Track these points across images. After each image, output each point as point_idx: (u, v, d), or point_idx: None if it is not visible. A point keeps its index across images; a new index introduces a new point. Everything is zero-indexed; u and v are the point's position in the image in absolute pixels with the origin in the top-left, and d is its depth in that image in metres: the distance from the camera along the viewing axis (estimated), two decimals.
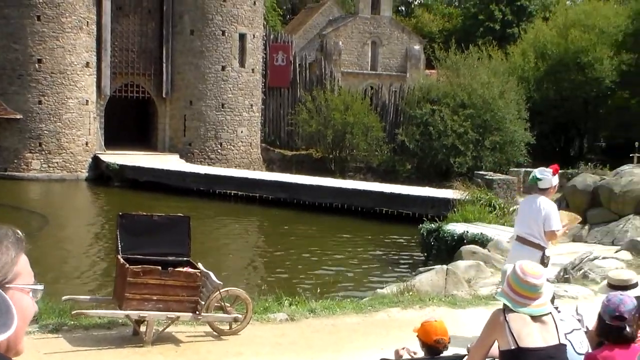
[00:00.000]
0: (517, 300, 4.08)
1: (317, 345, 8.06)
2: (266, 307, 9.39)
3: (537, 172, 8.02)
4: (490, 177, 26.25)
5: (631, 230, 16.13)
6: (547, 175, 7.95)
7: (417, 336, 5.28)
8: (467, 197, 22.01)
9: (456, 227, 17.99)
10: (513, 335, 4.00)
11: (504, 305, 4.15)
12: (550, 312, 4.18)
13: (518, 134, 38.95)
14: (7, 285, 1.65)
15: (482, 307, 9.85)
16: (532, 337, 4.02)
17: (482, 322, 8.23)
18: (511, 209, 22.48)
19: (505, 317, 4.05)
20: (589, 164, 25.10)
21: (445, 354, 5.22)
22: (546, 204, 7.89)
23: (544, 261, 7.82)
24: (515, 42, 48.86)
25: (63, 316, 8.60)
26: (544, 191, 7.96)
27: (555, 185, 8.11)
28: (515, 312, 4.06)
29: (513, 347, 3.99)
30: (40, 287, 1.72)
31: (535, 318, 4.08)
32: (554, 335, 4.09)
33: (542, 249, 7.88)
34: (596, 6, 45.06)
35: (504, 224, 19.19)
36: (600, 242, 15.72)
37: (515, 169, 33.10)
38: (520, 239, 7.99)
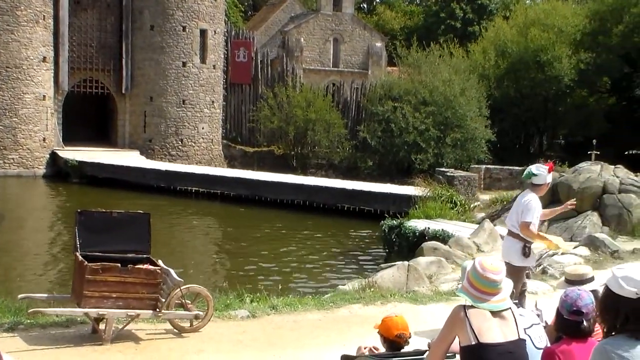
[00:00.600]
0: (476, 295, 4.10)
1: (279, 342, 8.03)
2: (227, 304, 9.34)
3: (534, 167, 8.18)
4: (452, 174, 26.42)
5: (589, 226, 16.36)
6: (543, 172, 8.11)
7: (379, 332, 5.28)
8: (428, 194, 22.13)
9: (417, 224, 18.08)
10: (474, 331, 4.01)
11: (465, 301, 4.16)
12: (510, 308, 4.19)
13: (479, 131, 39.28)
14: None
15: (443, 303, 9.90)
16: (492, 332, 4.04)
17: (443, 317, 8.26)
18: (472, 205, 22.67)
19: (465, 313, 4.06)
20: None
21: (406, 349, 5.22)
22: (530, 198, 8.09)
23: (525, 251, 8.05)
24: (476, 40, 49.26)
25: (19, 315, 8.46)
26: (536, 187, 8.13)
27: (548, 183, 8.28)
28: (475, 307, 4.07)
29: (474, 343, 4.00)
30: None
31: (495, 313, 4.10)
32: (514, 330, 4.11)
33: (523, 240, 8.06)
34: (555, 6, 45.62)
35: (465, 221, 19.34)
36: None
37: (476, 166, 33.40)
38: (508, 231, 8.35)
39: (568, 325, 4.18)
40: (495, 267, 4.18)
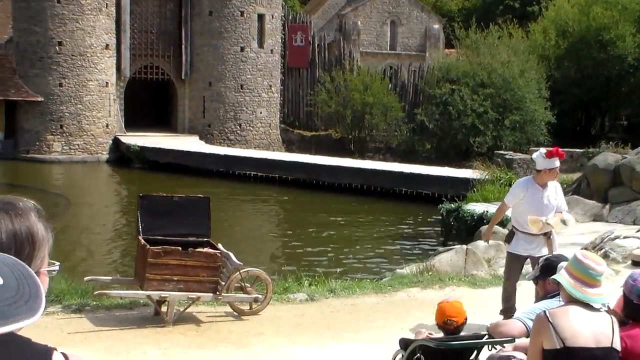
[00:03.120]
0: (573, 283, 3.89)
1: (337, 325, 8.10)
2: (286, 287, 9.45)
3: (535, 153, 8.12)
4: (510, 157, 26.13)
5: None
6: (538, 157, 7.93)
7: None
8: (486, 177, 21.93)
9: (476, 207, 17.94)
10: (559, 335, 3.79)
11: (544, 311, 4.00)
12: (607, 310, 4.03)
13: (538, 113, 38.71)
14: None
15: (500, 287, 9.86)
16: (582, 336, 3.80)
17: (500, 302, 8.21)
18: None
19: (547, 317, 3.84)
20: (610, 142, 24.87)
21: (464, 333, 5.24)
22: (517, 182, 8.29)
23: (509, 235, 8.14)
24: (536, 20, 48.36)
25: (85, 296, 8.71)
26: (538, 173, 7.96)
27: (549, 169, 7.87)
28: (559, 308, 3.92)
29: (559, 347, 3.79)
30: (57, 267, 1.71)
31: (589, 317, 3.85)
32: (608, 337, 3.84)
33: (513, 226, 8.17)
34: None
35: None
36: (622, 222, 15.61)
37: (535, 149, 32.82)
38: None
39: (638, 310, 4.07)
40: (597, 258, 3.99)
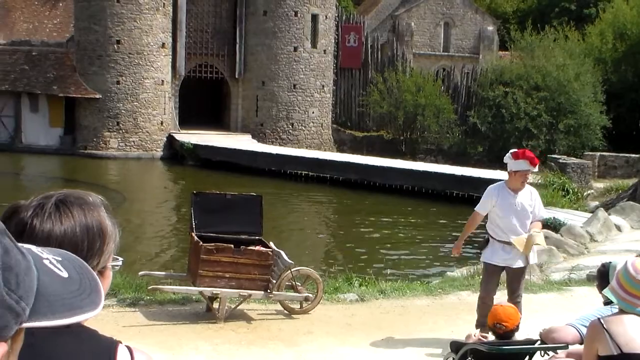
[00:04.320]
0: (627, 299, 3.76)
1: (387, 327, 8.12)
2: (336, 287, 9.50)
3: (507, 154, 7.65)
4: (564, 161, 25.77)
5: None
6: (507, 158, 7.51)
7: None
8: (539, 181, 21.68)
9: None
10: (615, 341, 3.73)
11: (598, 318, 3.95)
12: None
13: (593, 117, 38.10)
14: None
15: (555, 292, 9.77)
16: (637, 342, 3.72)
17: (554, 307, 8.15)
18: (585, 193, 22.08)
19: (602, 324, 3.79)
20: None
21: (516, 338, 5.22)
22: (488, 188, 7.70)
23: (483, 243, 7.65)
24: (593, 23, 47.57)
25: (140, 291, 8.88)
26: (508, 175, 7.55)
27: (516, 171, 7.39)
28: (615, 316, 3.85)
29: (616, 354, 3.73)
30: (120, 262, 1.74)
31: None
32: None
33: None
34: None
35: (577, 209, 18.89)
36: None
37: (590, 153, 32.40)
38: None
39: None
40: None
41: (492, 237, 7.52)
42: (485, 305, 7.31)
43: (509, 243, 7.35)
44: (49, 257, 1.07)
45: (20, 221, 1.56)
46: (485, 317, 7.09)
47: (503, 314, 5.16)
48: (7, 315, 0.88)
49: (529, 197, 7.49)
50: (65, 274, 1.06)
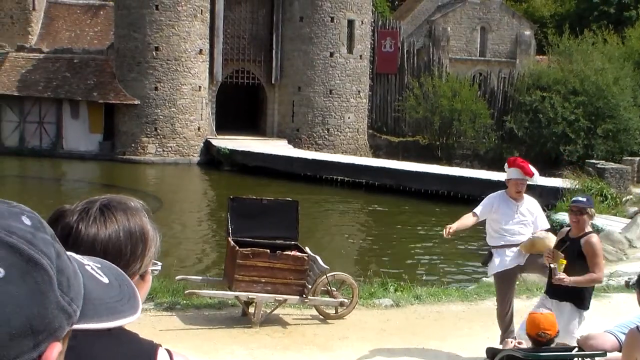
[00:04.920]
0: None
1: (422, 332, 8.11)
2: (372, 292, 9.51)
3: None
4: (602, 166, 25.44)
5: None
6: (506, 167, 7.44)
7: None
8: (577, 186, 21.47)
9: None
10: None
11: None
12: None
13: (633, 122, 37.57)
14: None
15: (592, 299, 9.65)
16: None
17: (592, 314, 8.07)
18: (624, 199, 21.80)
19: None
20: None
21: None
22: (490, 195, 7.57)
23: (487, 257, 7.49)
24: (633, 26, 46.94)
25: (176, 295, 8.98)
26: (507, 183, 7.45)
27: (512, 180, 7.28)
28: None
29: None
30: (159, 267, 1.77)
31: None
32: None
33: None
34: None
35: (616, 215, 18.66)
36: None
37: (629, 158, 31.94)
38: None
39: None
40: None
41: (494, 246, 7.40)
42: (507, 317, 7.15)
43: (513, 245, 7.23)
44: (90, 263, 1.12)
45: (66, 225, 1.60)
46: (510, 330, 7.09)
47: (545, 322, 5.09)
48: (60, 316, 0.93)
49: (530, 208, 7.42)
50: (106, 280, 1.11)
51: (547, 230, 7.49)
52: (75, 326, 0.98)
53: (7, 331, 0.86)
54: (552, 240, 6.90)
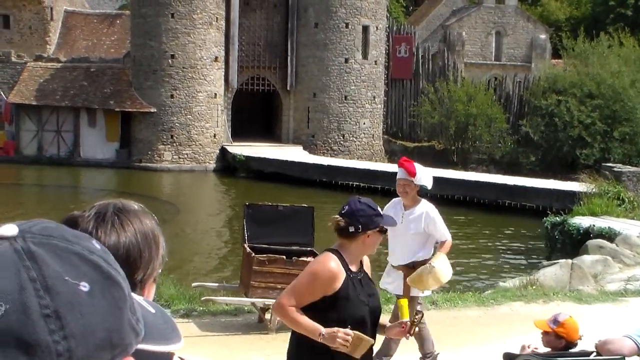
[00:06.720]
0: None
1: (439, 338, 8.09)
2: (387, 298, 9.49)
3: None
4: (619, 169, 25.29)
5: None
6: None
7: (543, 331, 5.23)
8: (594, 190, 21.34)
9: (582, 221, 17.50)
10: None
11: None
12: None
13: None
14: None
15: (610, 303, 9.62)
16: None
17: (610, 318, 8.05)
18: None
19: None
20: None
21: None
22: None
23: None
24: None
25: (193, 302, 9.01)
26: None
27: (398, 180, 6.62)
28: None
29: None
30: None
31: None
32: None
33: None
34: None
35: (633, 218, 18.53)
36: None
37: None
38: None
39: None
40: None
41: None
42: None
43: (393, 268, 6.66)
44: (133, 294, 1.17)
45: (84, 232, 1.62)
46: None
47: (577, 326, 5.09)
48: (131, 334, 0.97)
49: (421, 216, 6.59)
50: (152, 310, 1.16)
51: (443, 242, 6.78)
52: (140, 346, 1.03)
53: (92, 342, 0.90)
54: (440, 276, 6.38)
